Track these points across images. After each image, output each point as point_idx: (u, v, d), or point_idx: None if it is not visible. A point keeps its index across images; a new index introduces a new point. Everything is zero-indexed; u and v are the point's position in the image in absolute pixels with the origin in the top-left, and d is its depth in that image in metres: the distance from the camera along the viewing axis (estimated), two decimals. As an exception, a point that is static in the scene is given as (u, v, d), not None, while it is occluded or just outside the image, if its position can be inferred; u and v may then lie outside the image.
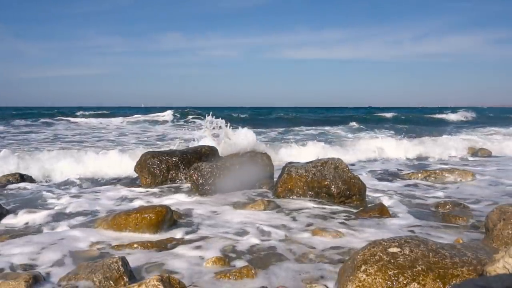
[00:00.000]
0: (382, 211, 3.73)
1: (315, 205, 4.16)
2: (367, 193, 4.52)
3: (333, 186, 4.25)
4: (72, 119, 23.15)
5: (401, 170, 6.83)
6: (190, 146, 6.06)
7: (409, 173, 6.08)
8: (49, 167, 6.08)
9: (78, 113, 28.56)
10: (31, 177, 5.70)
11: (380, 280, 1.90)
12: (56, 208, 4.12)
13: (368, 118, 27.72)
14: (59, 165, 6.15)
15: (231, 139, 5.71)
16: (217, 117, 6.00)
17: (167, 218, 3.29)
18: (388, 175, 6.21)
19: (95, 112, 29.16)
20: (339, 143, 10.03)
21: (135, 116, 25.68)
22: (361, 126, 18.96)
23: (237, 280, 2.31)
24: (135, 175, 5.53)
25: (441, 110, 37.92)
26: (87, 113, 29.48)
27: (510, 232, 2.64)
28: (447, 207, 4.04)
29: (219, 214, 3.95)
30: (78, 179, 5.78)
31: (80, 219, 3.77)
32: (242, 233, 3.30)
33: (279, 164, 5.78)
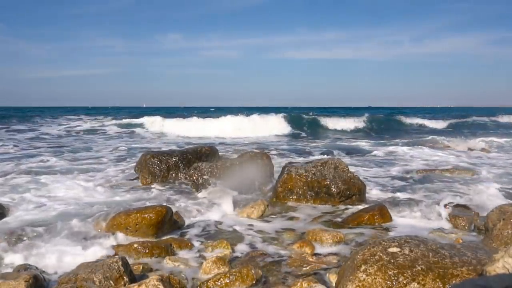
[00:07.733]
0: (382, 211, 3.73)
1: (315, 206, 4.17)
2: (367, 192, 4.52)
3: (333, 186, 4.25)
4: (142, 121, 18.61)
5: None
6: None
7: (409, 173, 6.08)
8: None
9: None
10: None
11: (380, 280, 1.90)
12: (56, 207, 4.12)
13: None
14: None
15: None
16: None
17: (167, 218, 3.29)
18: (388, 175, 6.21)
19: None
20: None
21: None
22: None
23: (237, 280, 2.32)
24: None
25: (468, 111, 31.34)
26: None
27: (509, 232, 2.65)
28: (447, 207, 4.04)
29: (219, 214, 3.95)
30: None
31: (80, 219, 3.77)
32: (242, 234, 3.30)
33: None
